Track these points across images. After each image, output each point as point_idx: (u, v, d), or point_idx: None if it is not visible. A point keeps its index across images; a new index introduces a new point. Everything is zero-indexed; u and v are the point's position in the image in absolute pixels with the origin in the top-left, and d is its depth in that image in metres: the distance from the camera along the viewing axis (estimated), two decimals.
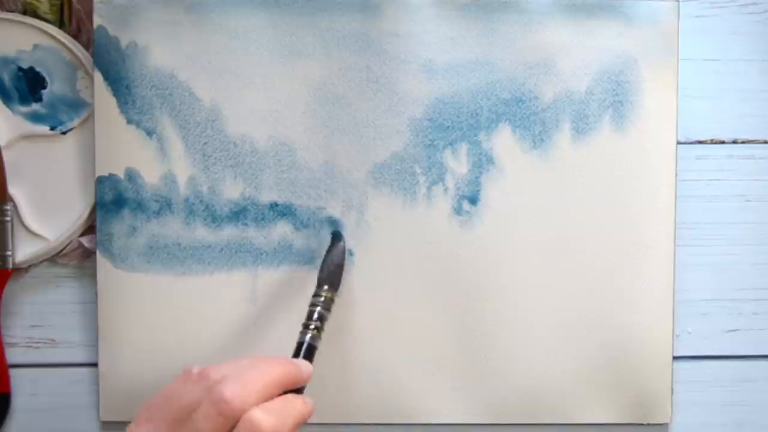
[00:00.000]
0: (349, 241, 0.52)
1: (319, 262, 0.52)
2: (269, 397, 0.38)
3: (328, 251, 0.51)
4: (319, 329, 0.46)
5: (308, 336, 0.45)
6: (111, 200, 0.52)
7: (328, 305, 0.47)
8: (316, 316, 0.46)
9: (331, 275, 0.49)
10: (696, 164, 0.54)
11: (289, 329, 0.53)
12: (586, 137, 0.53)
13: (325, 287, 0.48)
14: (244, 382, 0.38)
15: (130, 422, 0.53)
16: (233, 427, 0.37)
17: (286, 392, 0.40)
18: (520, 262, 0.53)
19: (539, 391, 0.53)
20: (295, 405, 0.39)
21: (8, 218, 0.52)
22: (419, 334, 0.53)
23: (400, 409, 0.53)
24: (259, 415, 0.36)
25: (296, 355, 0.44)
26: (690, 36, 0.54)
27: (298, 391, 0.42)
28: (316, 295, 0.47)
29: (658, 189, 0.53)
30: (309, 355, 0.45)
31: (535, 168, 0.53)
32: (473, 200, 0.53)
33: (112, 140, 0.52)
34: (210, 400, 0.37)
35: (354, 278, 0.53)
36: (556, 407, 0.53)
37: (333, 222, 0.52)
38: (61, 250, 0.53)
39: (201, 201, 0.52)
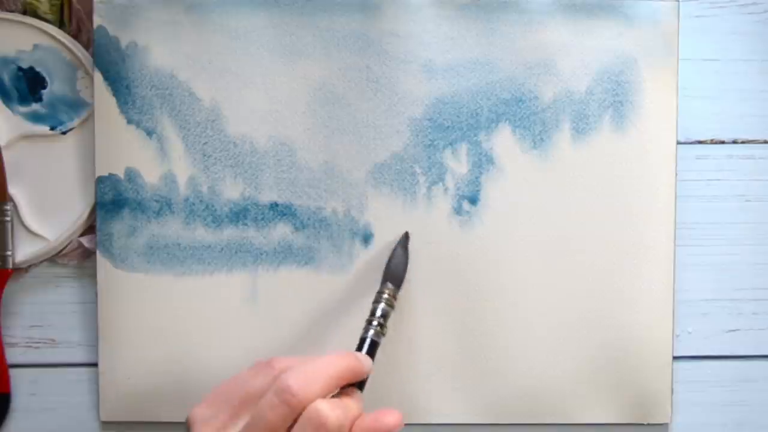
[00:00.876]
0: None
1: (319, 262, 0.52)
2: (332, 390, 0.39)
3: (395, 250, 0.51)
4: (382, 326, 0.46)
5: (371, 332, 0.45)
6: (111, 200, 0.52)
7: (391, 302, 0.47)
8: (379, 312, 0.46)
9: (396, 273, 0.49)
10: (696, 164, 0.54)
11: (289, 329, 0.53)
12: (586, 137, 0.53)
13: (389, 285, 0.48)
14: (309, 373, 0.38)
15: (129, 422, 0.54)
16: (297, 416, 0.37)
17: (348, 386, 0.41)
18: (520, 262, 0.53)
19: (539, 391, 0.53)
20: (357, 400, 0.40)
21: (8, 218, 0.52)
22: (419, 334, 0.53)
23: (400, 409, 0.53)
24: (326, 407, 0.37)
25: (359, 350, 0.44)
26: (690, 36, 0.54)
27: (360, 385, 0.42)
28: (380, 292, 0.48)
29: (658, 189, 0.53)
30: (371, 351, 0.44)
31: (535, 168, 0.53)
32: (473, 200, 0.53)
33: (112, 140, 0.52)
34: (275, 390, 0.37)
35: (354, 278, 0.53)
36: (556, 407, 0.53)
37: (333, 220, 0.52)
38: (61, 250, 0.53)
39: (201, 201, 0.52)
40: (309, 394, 0.37)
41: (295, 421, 0.37)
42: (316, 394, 0.37)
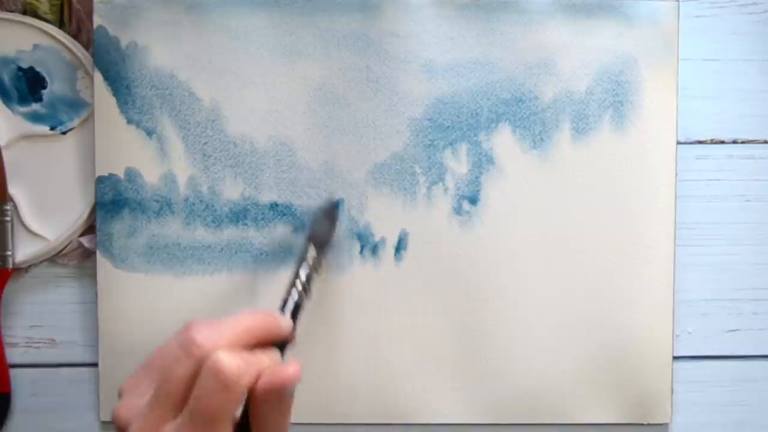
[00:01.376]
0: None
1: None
2: (241, 344, 0.37)
3: (322, 212, 0.50)
4: (306, 289, 0.45)
5: (294, 294, 0.44)
6: (111, 200, 0.52)
7: (316, 266, 0.46)
8: (304, 276, 0.45)
9: (322, 237, 0.48)
10: (696, 164, 0.54)
11: None
12: (586, 137, 0.53)
13: (313, 249, 0.47)
14: (216, 326, 0.37)
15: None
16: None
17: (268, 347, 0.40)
18: (520, 262, 0.53)
19: (539, 391, 0.53)
20: (267, 356, 0.38)
21: (8, 218, 0.52)
22: (419, 334, 0.53)
23: (400, 409, 0.53)
24: (224, 355, 0.35)
25: (281, 311, 0.43)
26: (690, 36, 0.54)
27: (281, 348, 0.41)
28: (303, 254, 0.46)
29: (658, 189, 0.53)
30: (294, 314, 0.43)
31: (535, 168, 0.53)
32: (473, 200, 0.53)
33: (112, 140, 0.52)
34: (180, 343, 0.36)
35: (354, 278, 0.53)
36: (556, 407, 0.53)
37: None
38: (61, 250, 0.53)
39: (201, 201, 0.52)
40: (212, 345, 0.36)
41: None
42: (222, 346, 0.36)
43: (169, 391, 0.36)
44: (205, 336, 0.36)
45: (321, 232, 0.49)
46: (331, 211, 0.51)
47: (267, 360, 0.38)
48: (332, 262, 0.53)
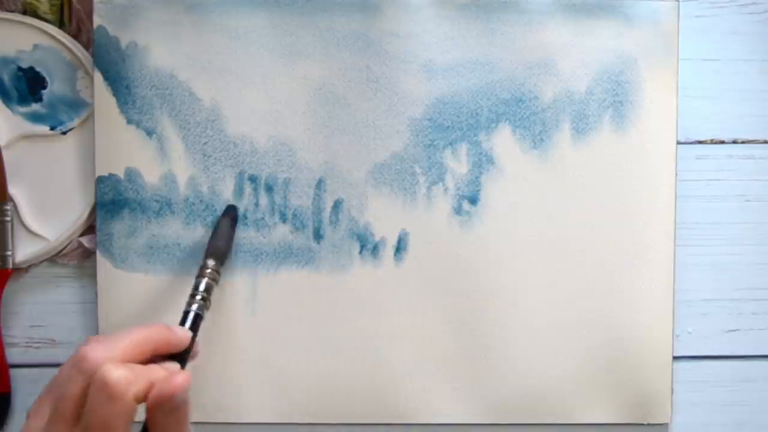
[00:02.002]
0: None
1: (319, 262, 0.52)
2: (133, 357, 0.38)
3: (219, 224, 0.51)
4: (205, 299, 0.46)
5: (194, 306, 0.45)
6: (111, 200, 0.52)
7: (214, 276, 0.48)
8: (203, 287, 0.47)
9: (219, 249, 0.50)
10: (696, 164, 0.54)
11: (289, 329, 0.53)
12: (586, 137, 0.53)
13: (211, 261, 0.48)
14: (107, 342, 0.37)
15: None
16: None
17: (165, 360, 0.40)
18: (520, 262, 0.53)
19: (539, 391, 0.53)
20: (161, 368, 0.38)
21: (8, 218, 0.52)
22: (419, 334, 0.53)
23: (400, 409, 0.53)
24: (110, 367, 0.36)
25: (182, 323, 0.44)
26: (690, 36, 0.54)
27: (182, 360, 0.41)
28: (203, 267, 0.48)
29: (658, 189, 0.53)
30: (194, 325, 0.44)
31: (535, 168, 0.53)
32: (473, 200, 0.53)
33: (112, 140, 0.52)
34: (73, 362, 0.37)
35: (354, 278, 0.53)
36: (556, 407, 0.53)
37: (333, 221, 0.52)
38: (61, 250, 0.53)
39: (201, 201, 0.52)
40: (102, 360, 0.36)
41: None
42: (109, 359, 0.36)
43: (63, 409, 0.36)
44: (96, 351, 0.37)
45: (219, 244, 0.50)
46: (229, 223, 0.51)
47: (160, 371, 0.38)
48: (332, 262, 0.53)
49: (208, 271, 0.48)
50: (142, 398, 0.37)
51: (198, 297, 0.46)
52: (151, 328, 0.40)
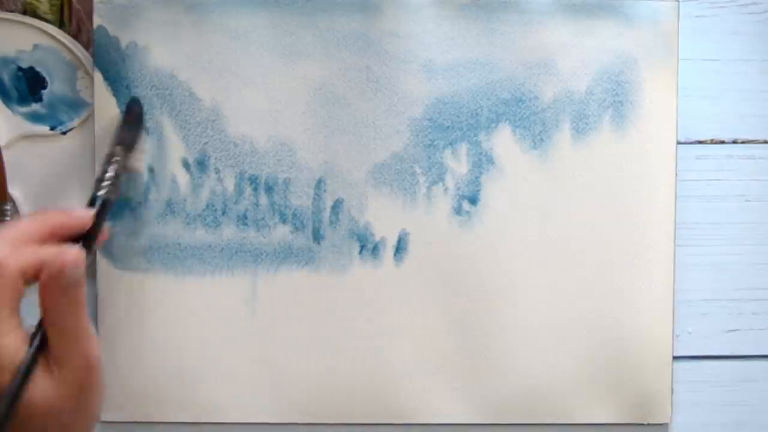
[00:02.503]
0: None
1: (319, 262, 0.52)
2: (30, 240, 0.37)
3: (128, 114, 0.51)
4: (114, 185, 0.45)
5: (102, 191, 0.44)
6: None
7: (124, 166, 0.47)
8: (111, 173, 0.46)
9: (129, 138, 0.49)
10: (696, 164, 0.54)
11: (289, 329, 0.53)
12: (586, 137, 0.53)
13: (120, 149, 0.48)
14: (2, 229, 0.37)
15: (129, 422, 0.54)
16: None
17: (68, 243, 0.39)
18: (520, 262, 0.53)
19: (539, 391, 0.53)
20: (56, 248, 0.37)
21: (8, 218, 0.52)
22: (419, 334, 0.53)
23: (400, 409, 0.53)
24: None
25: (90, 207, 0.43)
26: (690, 36, 0.54)
27: (88, 246, 0.40)
28: (111, 154, 0.47)
29: (658, 189, 0.53)
30: (102, 209, 0.43)
31: (535, 168, 0.53)
32: (473, 200, 0.53)
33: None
34: None
35: (354, 278, 0.53)
36: (556, 407, 0.53)
37: (333, 221, 0.52)
38: None
39: (201, 201, 0.52)
40: None
41: None
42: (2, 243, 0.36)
43: None
44: None
45: (128, 133, 0.49)
46: (135, 111, 0.51)
47: (52, 249, 0.37)
48: (332, 262, 0.53)
49: (117, 158, 0.47)
50: (31, 275, 0.36)
51: (106, 183, 0.45)
52: (48, 213, 0.39)
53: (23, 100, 0.53)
